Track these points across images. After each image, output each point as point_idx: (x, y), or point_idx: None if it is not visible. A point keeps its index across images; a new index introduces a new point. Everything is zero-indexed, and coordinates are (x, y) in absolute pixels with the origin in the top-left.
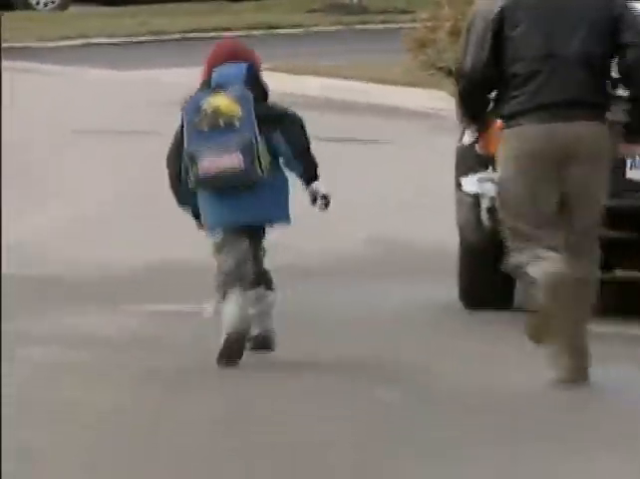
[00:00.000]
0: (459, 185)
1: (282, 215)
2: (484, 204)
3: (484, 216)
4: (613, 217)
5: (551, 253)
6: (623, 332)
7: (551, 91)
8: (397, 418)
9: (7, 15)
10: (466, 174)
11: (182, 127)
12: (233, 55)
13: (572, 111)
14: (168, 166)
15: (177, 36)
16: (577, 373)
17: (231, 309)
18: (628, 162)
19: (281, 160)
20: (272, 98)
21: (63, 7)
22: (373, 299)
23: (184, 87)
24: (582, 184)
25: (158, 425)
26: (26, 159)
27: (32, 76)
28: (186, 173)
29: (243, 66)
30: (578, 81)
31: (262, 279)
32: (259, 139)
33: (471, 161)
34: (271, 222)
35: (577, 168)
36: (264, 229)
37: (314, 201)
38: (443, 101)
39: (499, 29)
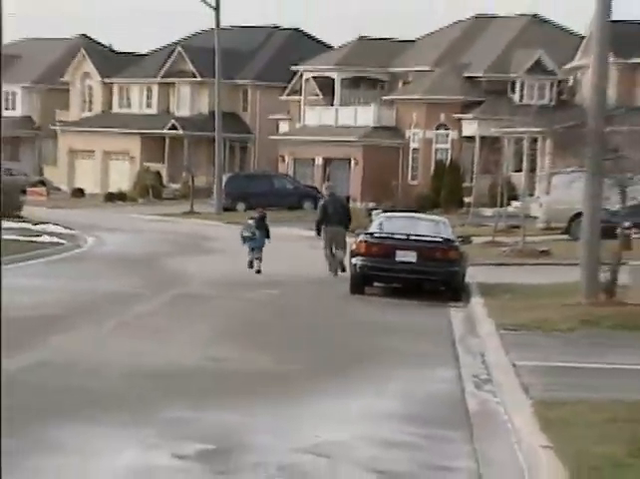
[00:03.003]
0: (350, 260)
1: (265, 242)
2: (357, 266)
3: (359, 267)
4: (394, 271)
5: (327, 252)
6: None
7: (332, 220)
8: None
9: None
10: (355, 257)
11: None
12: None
13: (336, 224)
14: (241, 235)
15: None
16: (335, 272)
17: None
18: (397, 254)
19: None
20: None
21: None
22: (308, 288)
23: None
24: (337, 239)
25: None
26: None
27: None
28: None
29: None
30: (337, 219)
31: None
32: (261, 232)
33: (355, 253)
34: (263, 245)
35: (337, 237)
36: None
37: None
38: None
39: (325, 208)
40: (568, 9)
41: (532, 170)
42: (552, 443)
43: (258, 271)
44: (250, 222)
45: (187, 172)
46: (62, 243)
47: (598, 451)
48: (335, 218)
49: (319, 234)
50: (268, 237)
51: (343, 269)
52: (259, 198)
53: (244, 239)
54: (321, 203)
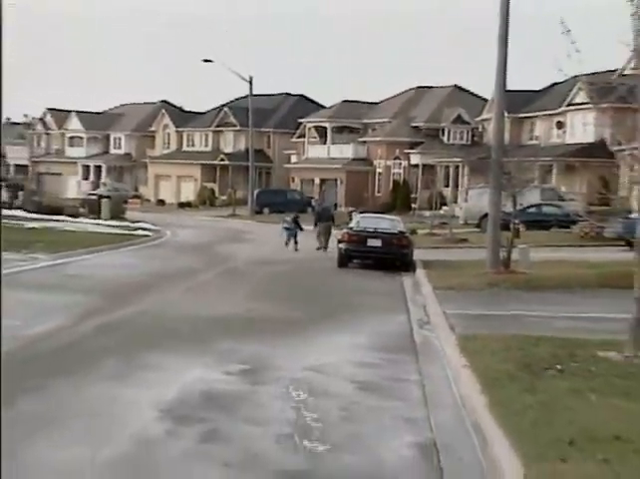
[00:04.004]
0: (337, 244)
1: (297, 232)
2: (342, 249)
3: (343, 249)
4: (366, 252)
5: (319, 237)
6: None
7: (322, 219)
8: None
9: None
10: (341, 243)
11: (284, 223)
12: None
13: (324, 221)
14: (282, 227)
15: None
16: (323, 249)
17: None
18: (368, 241)
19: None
20: None
21: None
22: (310, 264)
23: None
24: (325, 230)
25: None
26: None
27: None
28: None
29: (293, 216)
30: (325, 219)
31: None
32: (293, 225)
33: (341, 240)
34: (296, 234)
35: (325, 229)
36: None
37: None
38: None
39: (318, 213)
40: (478, 81)
41: (456, 186)
42: (469, 363)
43: (296, 250)
44: (288, 219)
45: (231, 188)
46: (149, 235)
47: (498, 368)
48: (324, 218)
49: (315, 226)
50: (301, 229)
51: (326, 248)
52: (278, 205)
53: (284, 229)
54: (316, 209)
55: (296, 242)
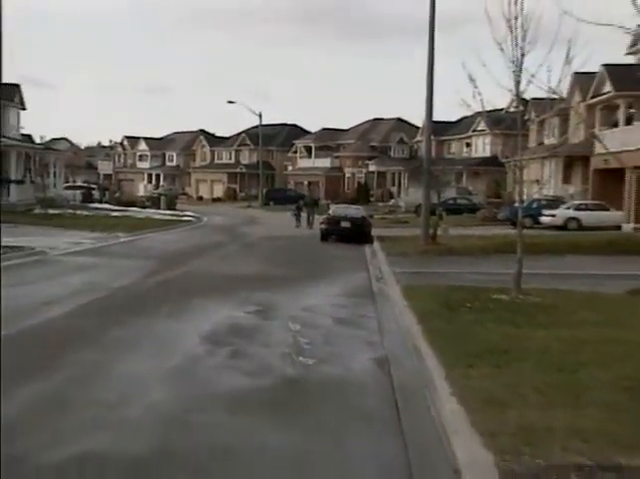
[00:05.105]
0: (320, 225)
1: (302, 216)
2: (323, 229)
3: (323, 229)
4: (340, 231)
5: (306, 219)
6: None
7: (308, 206)
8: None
9: None
10: (322, 224)
11: (293, 211)
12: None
13: (310, 207)
14: (292, 214)
15: None
16: (308, 227)
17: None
18: (341, 223)
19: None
20: None
21: None
22: (302, 239)
23: None
24: (311, 213)
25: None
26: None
27: None
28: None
29: (297, 205)
30: (310, 205)
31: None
32: (299, 212)
33: (322, 222)
34: (300, 217)
35: (311, 212)
36: (300, 218)
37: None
38: None
39: (305, 202)
40: (413, 113)
41: (399, 185)
42: (409, 304)
43: (298, 227)
44: (293, 208)
45: (247, 188)
46: (192, 220)
47: (428, 307)
48: (309, 204)
49: (302, 210)
50: (303, 211)
51: (311, 227)
52: (280, 199)
53: (293, 215)
54: (305, 199)
55: (300, 223)
